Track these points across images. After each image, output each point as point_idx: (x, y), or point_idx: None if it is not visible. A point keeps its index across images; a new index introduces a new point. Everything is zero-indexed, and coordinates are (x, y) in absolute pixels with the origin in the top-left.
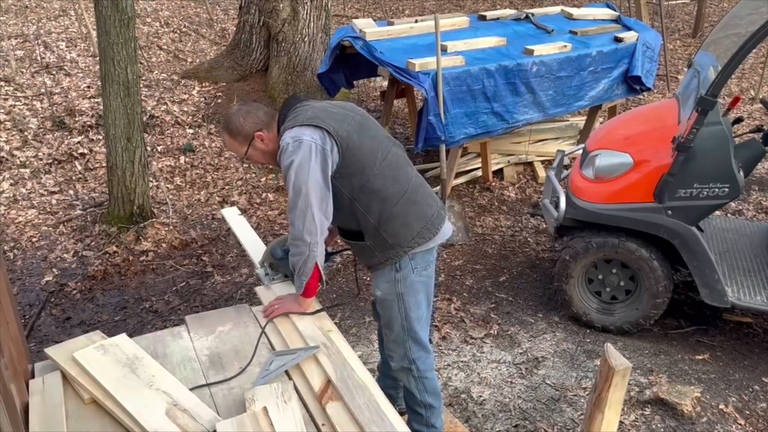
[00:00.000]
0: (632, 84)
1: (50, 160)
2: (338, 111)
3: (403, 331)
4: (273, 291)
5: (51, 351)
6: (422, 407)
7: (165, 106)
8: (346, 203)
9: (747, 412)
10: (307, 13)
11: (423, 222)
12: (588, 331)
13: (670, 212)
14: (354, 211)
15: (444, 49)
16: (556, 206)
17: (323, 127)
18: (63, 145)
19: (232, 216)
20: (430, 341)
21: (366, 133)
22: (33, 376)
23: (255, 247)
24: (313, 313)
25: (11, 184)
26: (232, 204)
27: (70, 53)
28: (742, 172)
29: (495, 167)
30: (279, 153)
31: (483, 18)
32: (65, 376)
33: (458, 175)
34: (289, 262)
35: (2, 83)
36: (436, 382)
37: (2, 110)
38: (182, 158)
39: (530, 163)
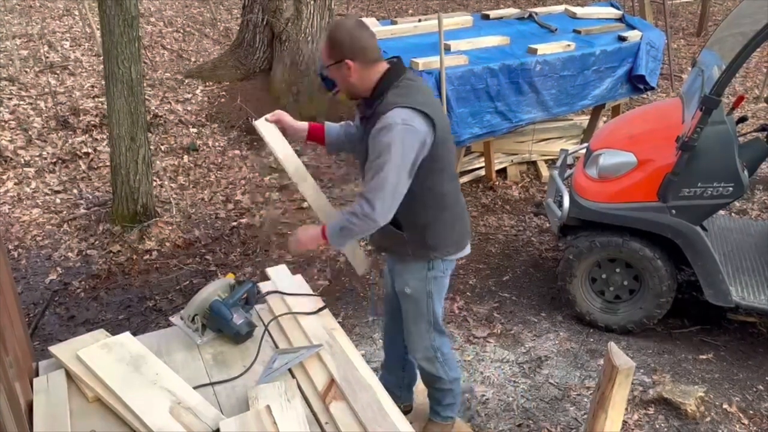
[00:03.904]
0: (636, 83)
1: (54, 160)
2: (439, 107)
3: (429, 325)
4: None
5: (55, 349)
6: (451, 383)
7: (169, 106)
8: (407, 195)
9: (751, 411)
10: (310, 13)
11: (462, 234)
12: (591, 330)
13: (674, 211)
14: (410, 204)
15: (447, 49)
16: (560, 205)
17: (433, 120)
18: (67, 145)
19: (265, 127)
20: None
21: (449, 138)
22: (37, 375)
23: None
24: (316, 312)
25: (15, 183)
26: (236, 203)
27: (74, 53)
28: (746, 171)
29: (498, 166)
30: (383, 124)
31: (486, 17)
32: (69, 375)
33: (461, 174)
34: (343, 219)
35: (6, 83)
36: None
37: (6, 109)
38: (186, 157)
39: (534, 163)
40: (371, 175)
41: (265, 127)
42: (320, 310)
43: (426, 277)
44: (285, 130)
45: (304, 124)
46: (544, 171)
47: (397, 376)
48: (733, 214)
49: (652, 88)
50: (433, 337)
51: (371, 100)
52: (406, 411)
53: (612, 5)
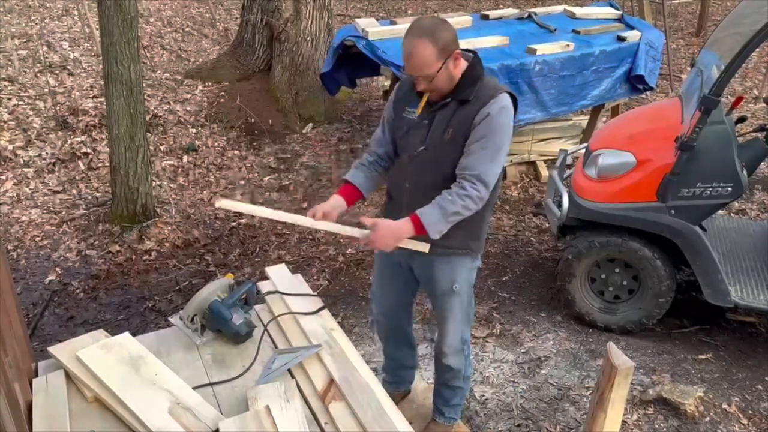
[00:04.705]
0: (635, 83)
1: (53, 160)
2: None
3: (465, 316)
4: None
5: (54, 350)
6: (464, 380)
7: (168, 106)
8: None
9: (750, 411)
10: (309, 13)
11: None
12: (591, 330)
13: (673, 211)
14: None
15: None
16: (559, 205)
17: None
18: (66, 145)
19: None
20: (432, 340)
21: None
22: (36, 375)
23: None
24: (315, 312)
25: (15, 184)
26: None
27: (73, 53)
28: (745, 172)
29: None
30: (500, 105)
31: (486, 17)
32: (69, 375)
33: None
34: (454, 205)
35: (6, 83)
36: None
37: (6, 110)
38: (185, 158)
39: (533, 163)
40: (484, 156)
41: (230, 203)
42: (319, 310)
43: (470, 269)
44: (331, 215)
45: (339, 199)
46: (544, 171)
47: (405, 371)
48: (732, 214)
49: (651, 89)
50: (465, 329)
51: (458, 88)
52: (406, 394)
53: (611, 5)
